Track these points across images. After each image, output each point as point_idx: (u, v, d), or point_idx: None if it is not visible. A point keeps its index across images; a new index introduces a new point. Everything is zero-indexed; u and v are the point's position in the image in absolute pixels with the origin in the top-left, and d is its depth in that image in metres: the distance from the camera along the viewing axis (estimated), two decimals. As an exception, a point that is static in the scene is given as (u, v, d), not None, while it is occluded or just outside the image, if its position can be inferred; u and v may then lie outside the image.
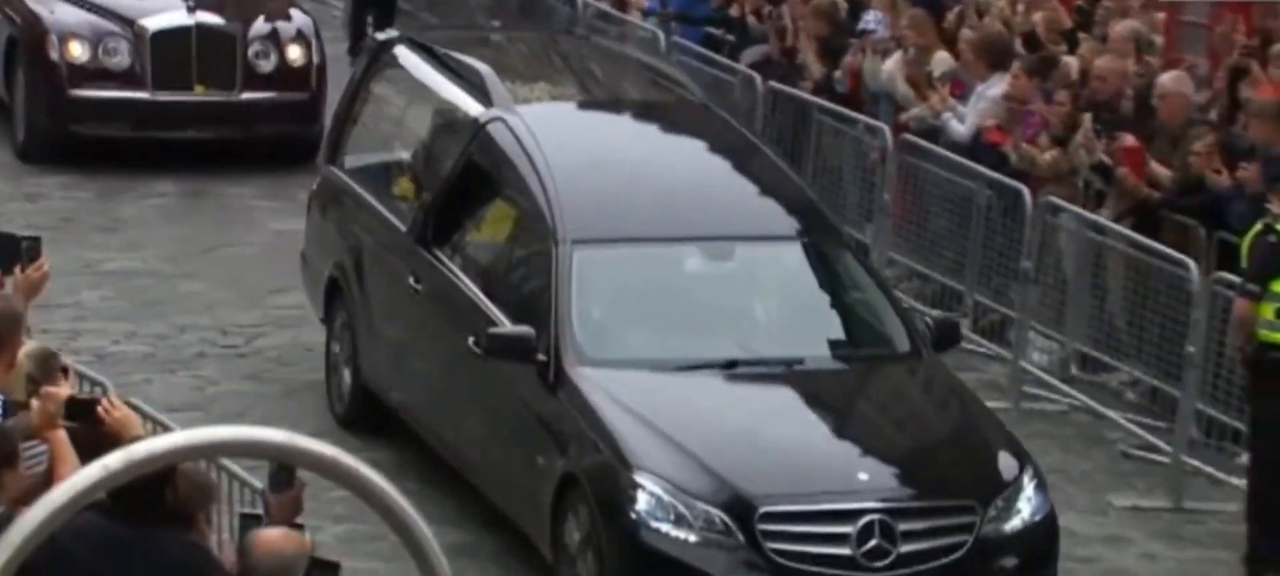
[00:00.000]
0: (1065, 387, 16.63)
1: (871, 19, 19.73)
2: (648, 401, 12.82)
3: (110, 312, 17.86)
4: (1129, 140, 16.49)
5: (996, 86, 17.83)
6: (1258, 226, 14.29)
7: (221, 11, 19.52)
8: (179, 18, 19.20)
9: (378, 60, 15.91)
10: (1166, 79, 17.00)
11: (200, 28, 19.10)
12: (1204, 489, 15.03)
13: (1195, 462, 15.13)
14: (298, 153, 19.10)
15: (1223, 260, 15.38)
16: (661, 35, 21.58)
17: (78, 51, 18.80)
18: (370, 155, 16.05)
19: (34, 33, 19.09)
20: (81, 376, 12.27)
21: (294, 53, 19.40)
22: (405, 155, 15.77)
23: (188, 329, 17.52)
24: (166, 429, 11.48)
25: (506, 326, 13.24)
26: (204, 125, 19.34)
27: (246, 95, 19.23)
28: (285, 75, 19.39)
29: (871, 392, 14.09)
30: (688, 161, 14.96)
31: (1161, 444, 15.56)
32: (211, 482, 10.06)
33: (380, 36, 15.97)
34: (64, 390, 10.02)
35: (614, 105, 15.95)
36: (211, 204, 19.73)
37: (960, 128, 17.88)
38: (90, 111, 18.92)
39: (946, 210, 17.67)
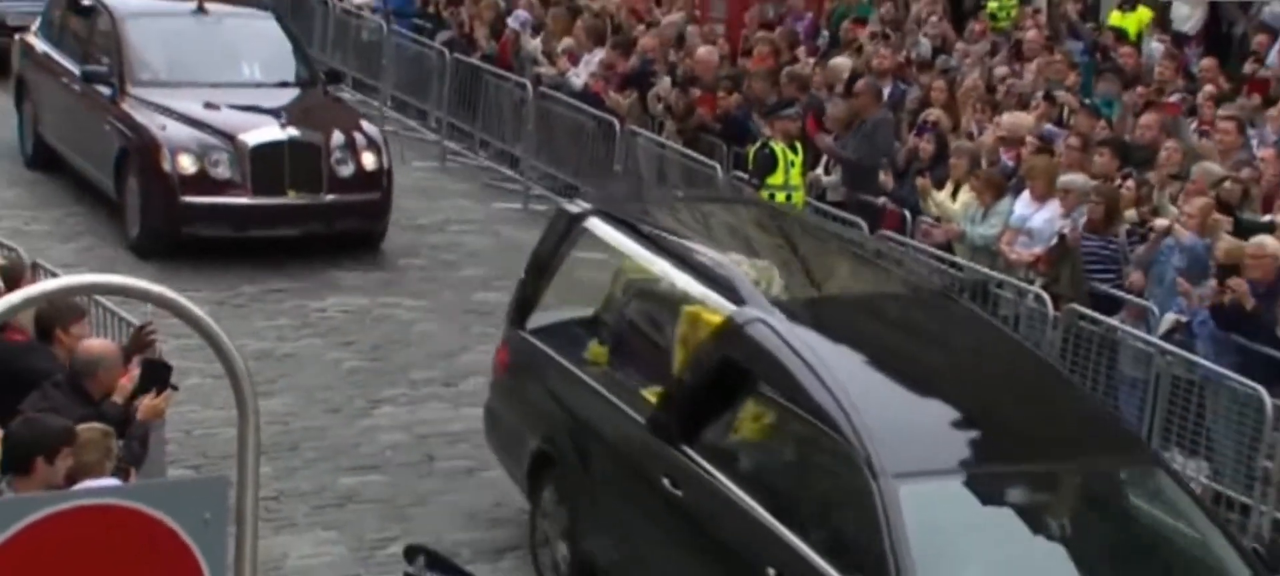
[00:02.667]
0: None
1: (521, 15, 20.23)
2: None
3: (29, 200, 17.55)
4: (698, 93, 17.53)
5: (598, 56, 18.57)
6: (758, 144, 15.26)
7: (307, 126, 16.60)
8: (274, 133, 16.22)
9: (571, 231, 11.21)
10: (701, 50, 18.05)
11: (292, 141, 16.22)
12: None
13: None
14: (368, 243, 16.65)
15: (737, 164, 16.15)
16: (383, 25, 22.01)
17: (187, 164, 15.90)
18: (570, 328, 11.18)
19: (148, 147, 16.07)
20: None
21: (367, 159, 16.37)
22: (620, 339, 10.82)
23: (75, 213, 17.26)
24: (54, 275, 11.03)
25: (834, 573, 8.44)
26: (294, 224, 16.24)
27: (329, 197, 16.19)
28: (360, 179, 16.37)
29: None
30: (970, 369, 9.91)
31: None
32: (74, 306, 9.70)
33: (572, 208, 11.54)
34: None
35: (867, 301, 10.56)
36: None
37: (576, 82, 18.66)
38: (198, 215, 15.93)
39: (567, 134, 18.56)
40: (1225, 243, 12.11)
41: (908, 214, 14.69)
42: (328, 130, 16.40)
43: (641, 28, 19.29)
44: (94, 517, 4.23)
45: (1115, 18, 19.55)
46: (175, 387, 9.48)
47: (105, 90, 16.70)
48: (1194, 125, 15.17)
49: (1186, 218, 12.67)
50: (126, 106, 16.50)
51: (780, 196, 14.56)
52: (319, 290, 15.38)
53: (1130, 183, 13.71)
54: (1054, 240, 13.25)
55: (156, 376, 9.27)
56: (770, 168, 14.73)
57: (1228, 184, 13.09)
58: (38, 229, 16.39)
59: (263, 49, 17.62)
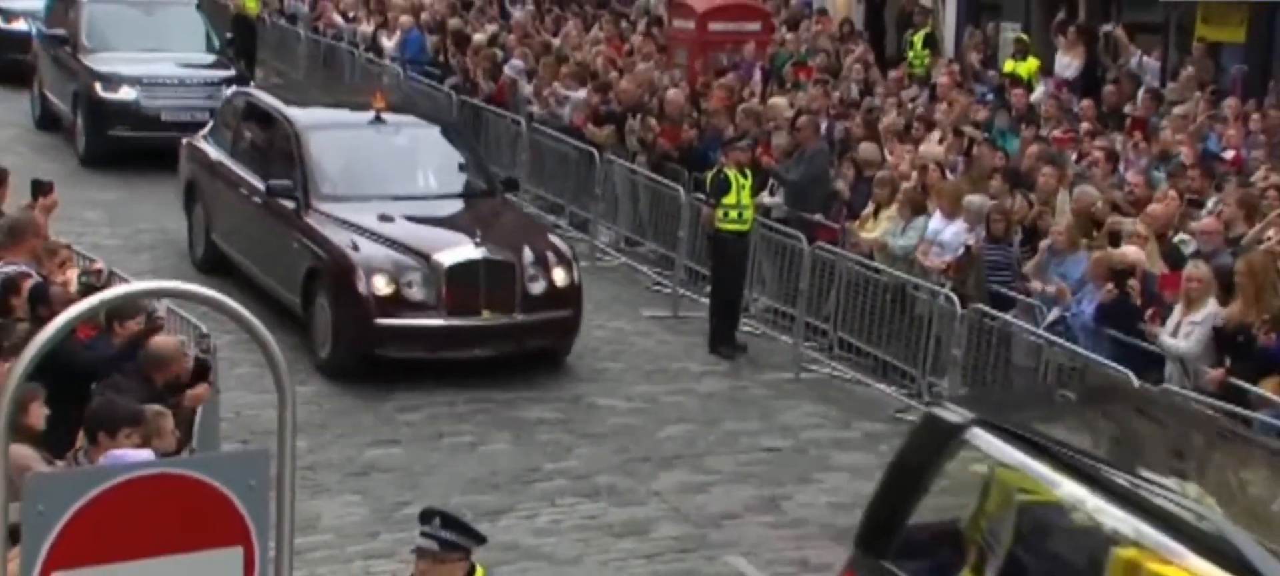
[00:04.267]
0: (616, 254, 17.18)
1: (516, 63, 20.15)
2: None
3: (106, 219, 17.23)
4: (658, 126, 17.45)
5: (580, 95, 18.53)
6: (715, 169, 14.99)
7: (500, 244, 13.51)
8: (469, 252, 13.17)
9: (947, 444, 7.52)
10: (670, 93, 18.05)
11: (486, 260, 13.19)
12: (689, 304, 15.55)
13: (684, 291, 15.73)
14: (554, 360, 13.75)
15: (697, 187, 15.86)
16: (401, 71, 21.90)
17: (382, 285, 12.94)
18: (939, 554, 7.53)
19: (341, 268, 13.15)
20: (82, 255, 11.85)
21: (558, 275, 13.43)
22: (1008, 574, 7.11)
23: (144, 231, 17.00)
24: (126, 281, 10.49)
25: None
26: (488, 344, 13.27)
27: (521, 316, 13.24)
28: (552, 296, 13.39)
29: None
30: None
31: (666, 280, 16.14)
32: (139, 303, 9.46)
33: (949, 416, 7.72)
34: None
35: None
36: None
37: (563, 119, 18.52)
38: (392, 337, 13.01)
39: (555, 162, 18.49)
40: (1100, 252, 12.29)
41: (841, 229, 14.70)
42: (519, 247, 13.49)
43: (616, 74, 19.40)
44: (160, 483, 4.22)
45: (1009, 65, 19.86)
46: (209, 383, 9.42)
47: (289, 204, 13.92)
48: (1075, 155, 15.36)
49: (1057, 234, 12.86)
50: (312, 221, 13.68)
51: (733, 214, 14.56)
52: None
53: (1021, 203, 13.93)
54: (961, 250, 13.33)
55: (202, 373, 9.37)
56: (725, 190, 14.63)
57: (1099, 204, 13.33)
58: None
59: (440, 158, 14.99)
